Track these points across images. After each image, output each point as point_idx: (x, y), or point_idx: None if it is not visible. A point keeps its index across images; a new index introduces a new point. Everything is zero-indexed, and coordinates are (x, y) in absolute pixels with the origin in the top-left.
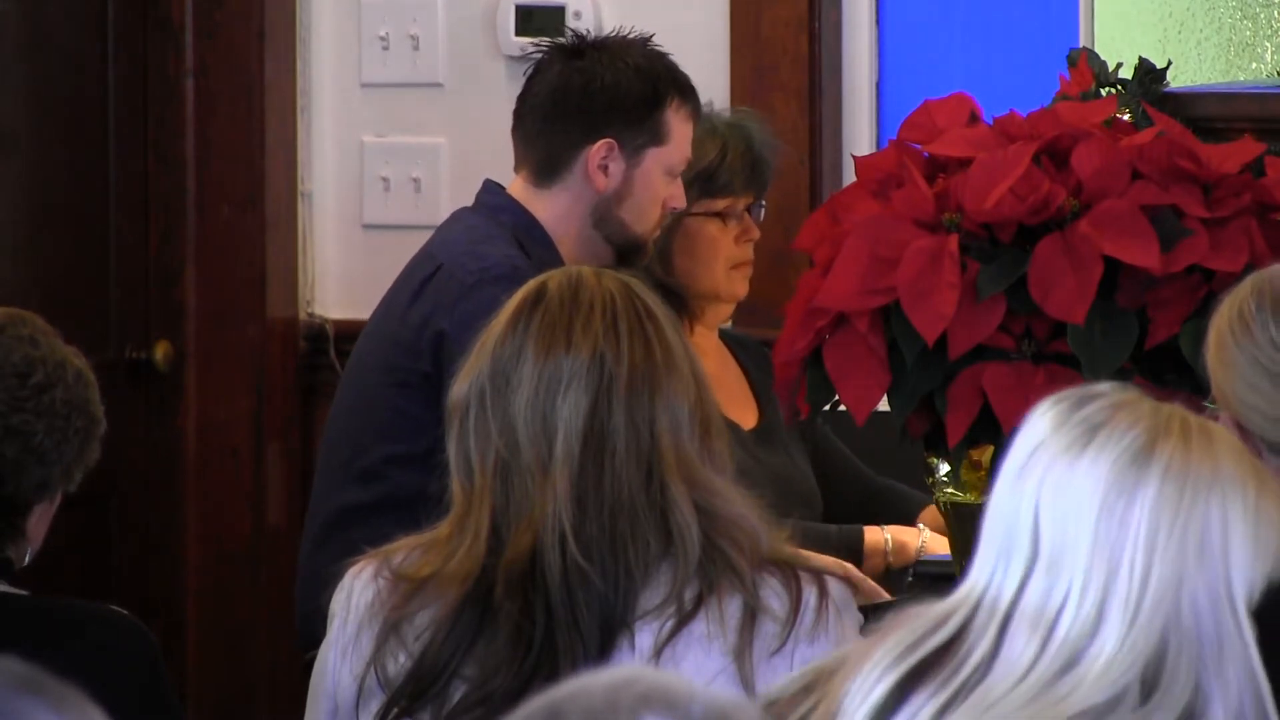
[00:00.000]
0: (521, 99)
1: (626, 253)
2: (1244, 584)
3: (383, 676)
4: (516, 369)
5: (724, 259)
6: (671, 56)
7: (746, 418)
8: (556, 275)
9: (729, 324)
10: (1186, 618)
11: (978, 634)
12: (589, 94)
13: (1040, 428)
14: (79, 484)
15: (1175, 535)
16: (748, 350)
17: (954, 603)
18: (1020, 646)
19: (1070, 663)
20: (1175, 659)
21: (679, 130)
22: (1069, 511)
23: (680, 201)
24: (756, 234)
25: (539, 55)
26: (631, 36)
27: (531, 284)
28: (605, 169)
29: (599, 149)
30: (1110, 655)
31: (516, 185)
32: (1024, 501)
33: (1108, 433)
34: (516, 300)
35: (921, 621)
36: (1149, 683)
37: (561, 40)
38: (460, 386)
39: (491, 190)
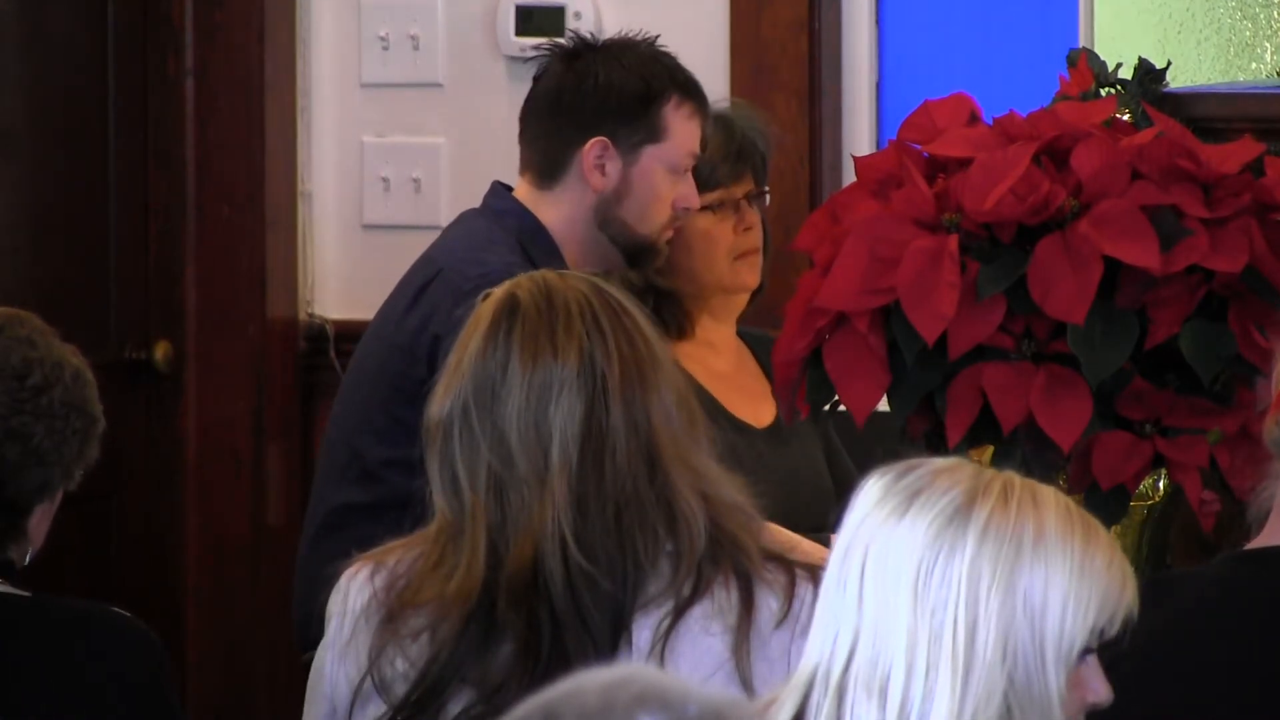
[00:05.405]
0: (525, 103)
1: (635, 255)
2: (1058, 641)
3: (379, 681)
4: (503, 381)
5: (724, 251)
6: (676, 57)
7: (761, 415)
8: (523, 282)
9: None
10: (1019, 678)
11: (814, 711)
12: (582, 93)
13: (865, 501)
14: (79, 484)
15: (998, 593)
16: (765, 346)
17: (794, 683)
18: (863, 716)
19: None
20: (1022, 717)
21: (679, 127)
22: (889, 576)
23: (691, 201)
24: (753, 221)
25: (543, 58)
26: (635, 37)
27: (499, 294)
28: (602, 168)
29: (593, 147)
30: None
31: (522, 188)
32: (850, 573)
33: (925, 497)
34: (490, 312)
35: (759, 704)
36: None
37: (562, 41)
38: (440, 404)
39: (498, 193)
